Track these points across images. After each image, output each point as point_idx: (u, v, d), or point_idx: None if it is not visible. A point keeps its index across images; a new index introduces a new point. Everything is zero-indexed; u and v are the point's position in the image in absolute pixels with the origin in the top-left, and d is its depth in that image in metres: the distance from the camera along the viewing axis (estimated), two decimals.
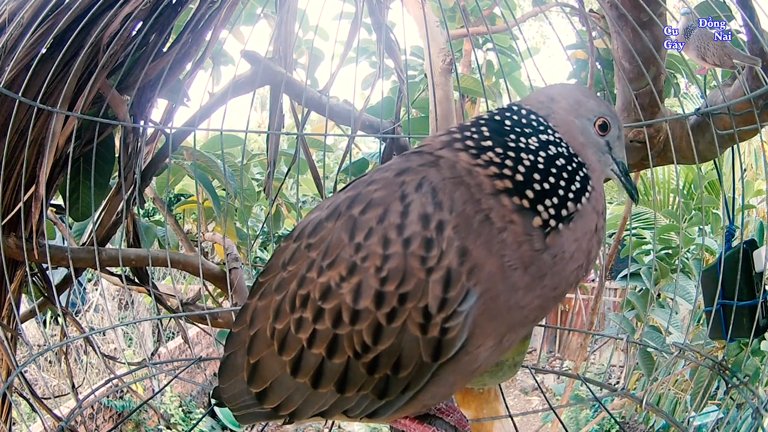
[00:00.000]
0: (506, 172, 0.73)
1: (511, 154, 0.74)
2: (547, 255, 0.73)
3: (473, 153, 0.75)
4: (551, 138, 0.78)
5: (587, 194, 0.77)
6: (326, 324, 0.73)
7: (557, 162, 0.76)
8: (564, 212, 0.74)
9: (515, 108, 0.80)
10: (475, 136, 0.77)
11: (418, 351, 0.70)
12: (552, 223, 0.73)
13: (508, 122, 0.78)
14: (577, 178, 0.77)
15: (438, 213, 0.69)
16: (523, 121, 0.78)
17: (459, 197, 0.71)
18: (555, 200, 0.74)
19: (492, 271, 0.69)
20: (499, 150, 0.75)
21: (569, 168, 0.77)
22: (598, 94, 2.48)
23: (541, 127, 0.78)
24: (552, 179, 0.74)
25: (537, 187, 0.73)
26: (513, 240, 0.71)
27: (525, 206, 0.72)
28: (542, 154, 0.76)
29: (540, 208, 0.73)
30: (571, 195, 0.75)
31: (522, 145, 0.76)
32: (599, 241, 0.79)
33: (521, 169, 0.74)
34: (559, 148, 0.77)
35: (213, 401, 0.95)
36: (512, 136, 0.76)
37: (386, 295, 0.69)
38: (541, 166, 0.75)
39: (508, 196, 0.72)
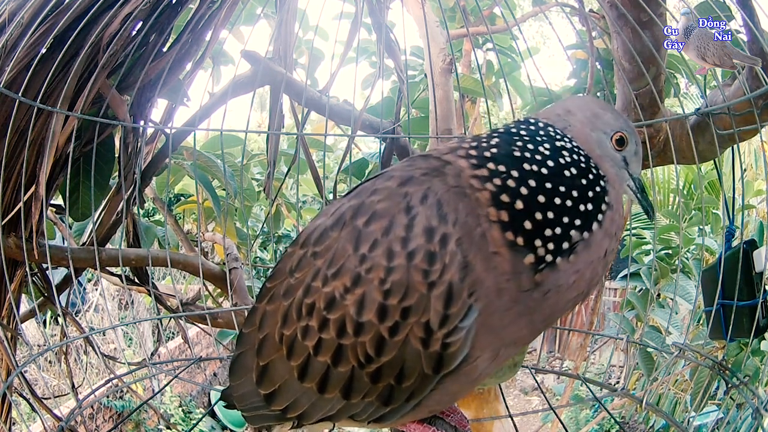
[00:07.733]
0: (504, 198, 0.69)
1: (514, 173, 0.70)
2: (537, 293, 0.70)
3: (474, 164, 0.73)
4: (567, 145, 0.74)
5: (601, 215, 0.71)
6: (331, 334, 0.73)
7: (570, 171, 0.72)
8: (565, 245, 0.69)
9: (532, 120, 0.78)
10: (483, 144, 0.75)
11: (420, 364, 0.70)
12: (548, 258, 0.69)
13: (522, 132, 0.75)
14: (590, 194, 0.71)
15: (443, 226, 0.68)
16: (539, 131, 0.76)
17: (462, 209, 0.69)
18: (557, 231, 0.69)
19: (489, 287, 0.69)
20: (501, 167, 0.71)
21: (584, 180, 0.72)
22: (598, 94, 2.48)
23: (558, 135, 0.75)
24: (559, 198, 0.69)
25: (538, 216, 0.68)
26: (501, 270, 0.69)
27: (519, 243, 0.68)
28: (550, 163, 0.71)
29: (537, 242, 0.68)
30: (577, 222, 0.70)
31: (528, 155, 0.72)
32: (606, 265, 0.74)
33: (523, 191, 0.69)
34: (575, 156, 0.73)
35: (222, 403, 0.95)
36: (519, 144, 0.73)
37: (389, 309, 0.69)
38: (548, 181, 0.70)
39: (500, 229, 0.69)
